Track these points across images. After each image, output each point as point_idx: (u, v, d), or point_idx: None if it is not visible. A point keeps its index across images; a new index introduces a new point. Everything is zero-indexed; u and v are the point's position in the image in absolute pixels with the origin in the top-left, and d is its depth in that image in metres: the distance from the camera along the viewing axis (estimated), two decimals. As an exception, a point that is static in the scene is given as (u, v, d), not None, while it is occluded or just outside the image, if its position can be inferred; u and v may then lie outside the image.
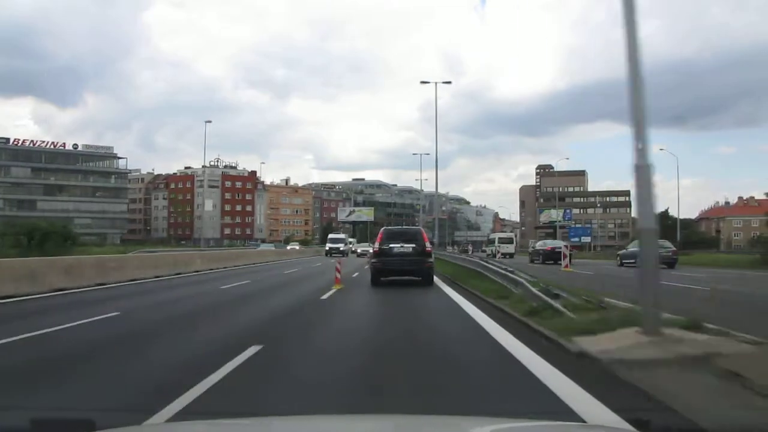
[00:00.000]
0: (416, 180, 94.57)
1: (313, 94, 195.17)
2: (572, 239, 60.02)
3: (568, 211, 73.63)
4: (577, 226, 73.86)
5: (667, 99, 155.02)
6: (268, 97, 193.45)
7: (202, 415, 3.77)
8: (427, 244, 16.51)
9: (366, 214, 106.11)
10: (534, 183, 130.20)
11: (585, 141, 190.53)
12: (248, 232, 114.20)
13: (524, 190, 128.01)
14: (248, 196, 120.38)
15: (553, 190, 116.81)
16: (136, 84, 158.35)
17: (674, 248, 30.41)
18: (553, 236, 69.92)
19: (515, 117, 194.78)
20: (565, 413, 3.92)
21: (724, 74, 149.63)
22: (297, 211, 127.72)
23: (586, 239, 60.91)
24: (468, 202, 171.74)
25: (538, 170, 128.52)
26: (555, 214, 75.15)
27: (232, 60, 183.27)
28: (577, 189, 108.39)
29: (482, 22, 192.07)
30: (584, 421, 3.74)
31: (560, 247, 31.19)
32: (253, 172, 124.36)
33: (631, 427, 2.45)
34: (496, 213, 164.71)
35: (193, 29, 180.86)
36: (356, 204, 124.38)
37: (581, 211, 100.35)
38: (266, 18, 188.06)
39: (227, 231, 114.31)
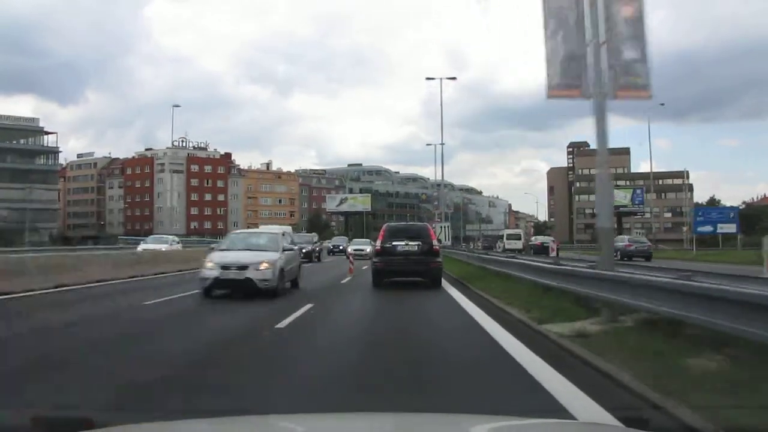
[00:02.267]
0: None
1: (315, 89, 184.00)
2: (699, 229, 38.67)
3: (638, 191, 52.55)
4: (705, 206, 51.79)
5: (671, 91, 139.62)
6: (270, 92, 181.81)
7: None
8: (435, 242, 15.23)
9: (361, 202, 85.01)
10: (540, 178, 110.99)
11: (587, 135, 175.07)
12: (220, 225, 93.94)
13: (553, 174, 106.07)
14: (220, 183, 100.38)
15: (591, 172, 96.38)
16: (137, 80, 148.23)
17: (649, 243, 35.49)
18: (619, 225, 50.83)
19: (519, 110, 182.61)
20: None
21: (729, 65, 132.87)
22: (281, 201, 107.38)
23: (729, 228, 38.08)
24: (480, 192, 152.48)
25: (570, 148, 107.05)
26: (622, 196, 54.36)
27: (234, 56, 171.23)
28: (620, 170, 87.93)
29: (485, 15, 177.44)
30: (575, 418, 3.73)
31: (548, 242, 40.34)
32: (227, 155, 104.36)
33: (621, 425, 2.52)
34: (509, 204, 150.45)
35: (194, 25, 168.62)
36: (352, 192, 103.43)
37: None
38: (268, 13, 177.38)
39: (194, 224, 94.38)
